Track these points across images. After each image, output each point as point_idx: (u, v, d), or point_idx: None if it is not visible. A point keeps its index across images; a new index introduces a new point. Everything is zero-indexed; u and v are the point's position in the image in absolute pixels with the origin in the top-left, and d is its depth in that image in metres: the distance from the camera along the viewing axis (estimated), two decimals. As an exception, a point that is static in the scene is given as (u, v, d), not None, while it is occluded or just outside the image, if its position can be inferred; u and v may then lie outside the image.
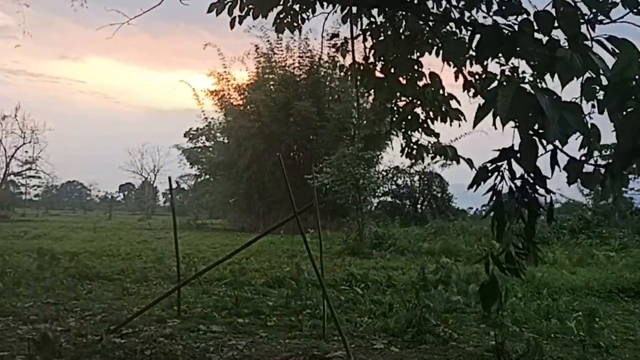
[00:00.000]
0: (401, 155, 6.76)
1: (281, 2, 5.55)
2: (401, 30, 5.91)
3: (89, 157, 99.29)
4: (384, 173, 30.56)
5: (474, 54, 5.15)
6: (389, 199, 31.63)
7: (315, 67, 31.55)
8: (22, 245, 17.17)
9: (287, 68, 31.68)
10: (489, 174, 3.56)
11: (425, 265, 11.33)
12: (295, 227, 25.03)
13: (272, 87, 31.78)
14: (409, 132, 6.53)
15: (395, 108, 6.54)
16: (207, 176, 42.57)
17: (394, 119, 6.63)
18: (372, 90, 6.60)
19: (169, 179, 8.36)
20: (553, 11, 3.20)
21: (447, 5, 5.01)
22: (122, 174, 69.25)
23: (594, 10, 3.28)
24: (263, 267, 12.58)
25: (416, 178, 32.69)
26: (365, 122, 32.49)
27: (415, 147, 6.54)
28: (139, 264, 13.17)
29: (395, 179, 31.45)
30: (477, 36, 3.78)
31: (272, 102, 30.55)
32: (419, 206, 33.16)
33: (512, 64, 5.38)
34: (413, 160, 6.90)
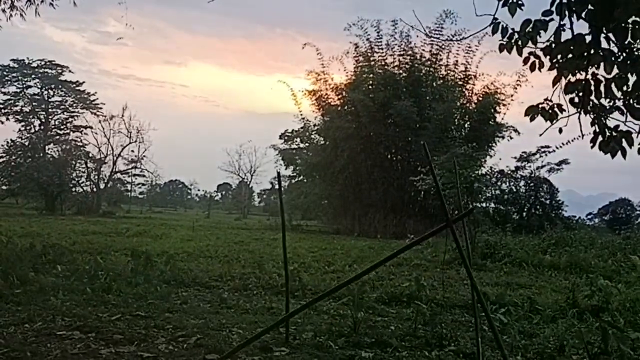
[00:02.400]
0: (592, 146, 4.79)
1: None
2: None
3: (189, 157, 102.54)
4: (488, 177, 28.20)
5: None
6: (492, 204, 28.95)
7: (416, 65, 29.96)
8: (122, 243, 16.59)
9: (386, 67, 30.46)
10: None
11: (575, 284, 9.13)
12: (389, 231, 22.86)
13: (370, 86, 30.75)
14: (602, 114, 4.60)
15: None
16: (302, 177, 41.85)
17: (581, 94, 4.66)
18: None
19: (278, 174, 6.88)
20: None
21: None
22: (220, 173, 70.28)
23: None
24: (371, 278, 10.85)
25: (522, 183, 29.88)
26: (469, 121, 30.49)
27: (614, 133, 4.57)
28: (237, 269, 12.01)
29: (499, 183, 28.88)
30: None
31: (370, 101, 29.43)
32: (524, 213, 30.29)
33: None
34: (609, 154, 4.83)
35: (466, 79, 30.07)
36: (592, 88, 4.41)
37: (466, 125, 30.65)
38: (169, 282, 9.75)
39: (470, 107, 30.09)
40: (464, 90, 30.32)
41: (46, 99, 53.82)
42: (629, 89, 4.29)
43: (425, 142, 5.12)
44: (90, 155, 47.48)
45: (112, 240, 17.97)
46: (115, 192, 53.34)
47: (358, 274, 5.01)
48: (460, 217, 4.86)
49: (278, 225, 31.99)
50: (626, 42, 4.21)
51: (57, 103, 54.36)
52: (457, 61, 30.02)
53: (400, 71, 30.35)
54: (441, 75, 30.48)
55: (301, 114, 34.25)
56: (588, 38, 4.25)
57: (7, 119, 52.67)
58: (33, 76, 53.04)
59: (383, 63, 30.47)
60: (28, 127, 51.41)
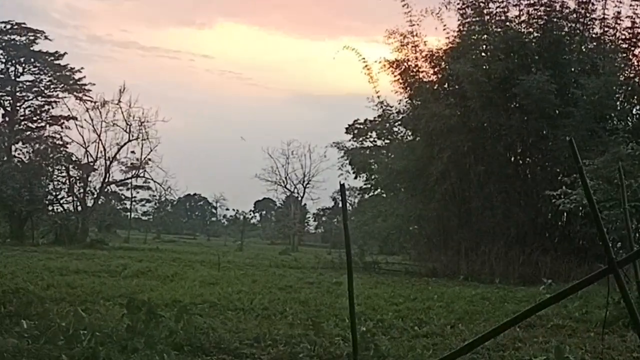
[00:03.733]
0: None
1: None
2: None
3: (215, 161, 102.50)
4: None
5: None
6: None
7: (554, 20, 29.60)
8: (115, 288, 16.91)
9: (508, 23, 30.15)
10: None
11: None
12: (514, 273, 22.48)
13: (484, 53, 30.72)
14: None
15: None
16: (380, 191, 41.60)
17: None
18: None
19: (342, 187, 6.96)
20: None
21: None
22: (259, 185, 69.80)
23: None
24: (488, 347, 10.49)
25: None
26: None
27: None
28: (282, 329, 12.17)
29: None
30: None
31: (484, 76, 29.11)
32: None
33: None
34: None
35: (634, 40, 29.21)
36: None
37: (634, 111, 29.98)
38: (182, 347, 9.78)
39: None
40: (630, 57, 29.49)
41: (12, 77, 54.96)
42: None
43: (572, 138, 4.85)
44: (74, 158, 48.44)
45: (102, 282, 18.24)
46: (109, 212, 54.37)
47: (468, 342, 4.77)
48: (633, 258, 4.56)
49: (343, 263, 31.88)
50: None
51: (27, 84, 55.58)
52: (619, 13, 29.22)
53: (530, 29, 30.21)
54: (594, 35, 29.91)
55: (378, 97, 34.25)
56: None
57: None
58: (-7, 45, 54.23)
59: (503, 18, 30.22)
60: (-15, 119, 52.97)
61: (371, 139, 52.34)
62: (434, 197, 31.07)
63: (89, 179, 48.23)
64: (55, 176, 45.61)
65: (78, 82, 54.52)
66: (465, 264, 29.56)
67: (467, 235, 30.48)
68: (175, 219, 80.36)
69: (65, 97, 53.98)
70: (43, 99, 55.27)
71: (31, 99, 55.46)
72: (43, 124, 54.59)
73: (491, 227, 29.44)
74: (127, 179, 53.74)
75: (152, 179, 52.40)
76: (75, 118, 51.35)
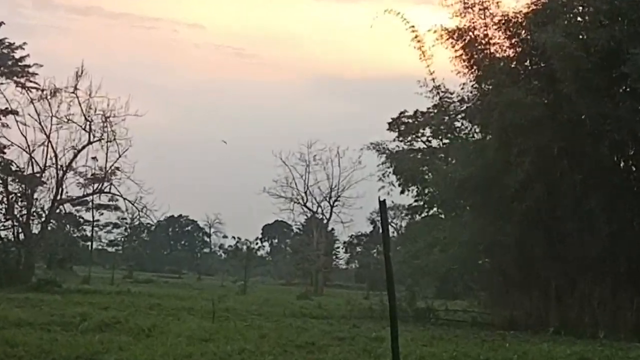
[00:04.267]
0: None
1: None
2: None
3: (206, 171, 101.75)
4: None
5: None
6: None
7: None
8: (71, 346, 16.82)
9: None
10: None
11: None
12: (625, 324, 22.53)
13: (580, 17, 31.00)
14: None
15: None
16: (435, 209, 42.60)
17: None
18: None
19: (381, 204, 7.50)
20: None
21: None
22: (269, 203, 70.82)
23: None
24: None
25: None
26: None
27: None
28: None
29: None
30: None
31: (580, 49, 28.94)
32: None
33: None
34: None
35: None
36: None
37: None
38: None
39: None
40: None
41: None
42: None
43: None
44: (14, 167, 49.01)
45: (53, 339, 18.17)
46: (62, 242, 54.54)
47: None
48: None
49: (385, 311, 31.57)
50: None
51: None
52: None
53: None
54: None
55: (433, 80, 34.43)
56: None
57: None
58: None
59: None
60: None
61: (424, 139, 53.90)
62: (512, 218, 30.87)
63: (35, 195, 48.34)
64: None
65: (19, 63, 53.50)
66: (556, 311, 29.60)
67: (558, 271, 30.35)
68: (153, 250, 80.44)
69: (1, 83, 52.73)
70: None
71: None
72: (-34, 121, 52.90)
73: (593, 259, 29.22)
74: (87, 195, 54.18)
75: (120, 196, 51.96)
76: (15, 112, 51.06)
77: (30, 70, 53.70)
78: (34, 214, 48.64)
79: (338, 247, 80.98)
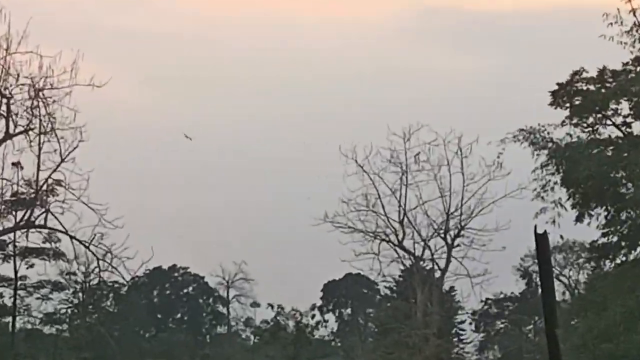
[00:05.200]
0: None
1: None
2: None
3: (221, 187, 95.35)
4: None
5: None
6: None
7: None
8: None
9: None
10: None
11: None
12: None
13: None
14: None
15: None
16: None
17: None
18: None
19: (539, 238, 6.93)
20: None
21: None
22: (332, 242, 55.01)
23: None
24: None
25: None
26: None
27: None
28: None
29: None
30: None
31: None
32: None
33: None
34: None
35: None
36: None
37: None
38: None
39: None
40: None
41: None
42: None
43: None
44: None
45: None
46: None
47: None
48: None
49: None
50: None
51: None
52: None
53: None
54: None
55: (634, 11, 35.17)
56: None
57: None
58: None
59: None
60: None
61: (618, 120, 43.41)
62: None
63: None
64: None
65: None
66: None
67: None
68: (126, 331, 65.70)
69: None
70: None
71: None
72: None
73: None
74: (4, 232, 41.21)
75: (65, 232, 37.92)
76: None
77: None
78: None
79: (462, 322, 66.65)
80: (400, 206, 54.88)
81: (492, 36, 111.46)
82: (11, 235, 45.07)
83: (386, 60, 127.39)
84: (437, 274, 56.53)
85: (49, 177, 37.90)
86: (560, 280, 50.55)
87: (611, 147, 42.43)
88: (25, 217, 39.75)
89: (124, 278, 46.03)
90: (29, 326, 58.72)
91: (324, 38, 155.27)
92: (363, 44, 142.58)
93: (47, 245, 48.55)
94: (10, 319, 55.15)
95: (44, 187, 38.74)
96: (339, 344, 73.40)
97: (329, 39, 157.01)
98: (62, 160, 36.97)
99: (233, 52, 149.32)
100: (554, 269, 37.76)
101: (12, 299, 55.81)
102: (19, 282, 55.33)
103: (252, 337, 72.25)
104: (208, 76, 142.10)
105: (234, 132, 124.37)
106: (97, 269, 44.21)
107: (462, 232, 54.67)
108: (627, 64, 38.01)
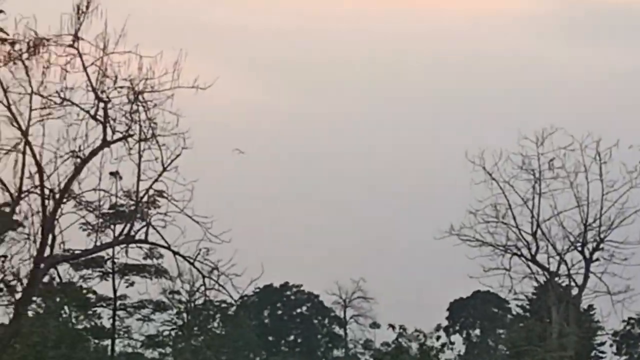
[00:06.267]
0: None
1: None
2: None
3: (337, 200, 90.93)
4: None
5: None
6: None
7: None
8: None
9: None
10: None
11: None
12: None
13: None
14: None
15: None
16: None
17: None
18: None
19: None
20: None
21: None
22: (458, 256, 53.57)
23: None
24: None
25: None
26: None
27: None
28: None
29: None
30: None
31: None
32: None
33: None
34: None
35: None
36: None
37: None
38: None
39: None
40: None
41: None
42: None
43: None
44: None
45: None
46: (57, 341, 41.28)
47: None
48: None
49: None
50: None
51: None
52: None
53: None
54: None
55: None
56: None
57: None
58: None
59: None
60: None
61: None
62: None
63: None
64: None
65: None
66: None
67: None
68: (234, 353, 63.46)
69: None
70: None
71: None
72: None
73: None
74: (102, 247, 38.11)
75: (168, 247, 34.78)
76: None
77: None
78: (0, 286, 34.73)
79: (602, 343, 64.62)
80: (532, 217, 52.35)
81: (634, 31, 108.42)
82: (109, 251, 41.94)
83: (518, 56, 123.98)
84: (574, 291, 53.38)
85: (150, 187, 35.47)
86: None
87: None
88: (125, 231, 36.93)
89: (232, 297, 41.71)
90: (129, 350, 56.07)
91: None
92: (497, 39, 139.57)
93: (149, 261, 46.68)
94: (109, 341, 53.22)
95: (145, 199, 36.50)
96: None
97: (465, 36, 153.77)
98: (164, 169, 34.54)
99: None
100: None
101: (110, 320, 53.85)
102: (118, 302, 53.57)
103: (370, 360, 67.69)
104: (321, 71, 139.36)
105: (346, 136, 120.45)
106: (202, 287, 39.14)
107: (602, 245, 51.82)
108: None
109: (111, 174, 35.06)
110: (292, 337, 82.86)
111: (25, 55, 33.49)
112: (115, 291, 51.49)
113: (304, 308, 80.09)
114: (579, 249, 52.47)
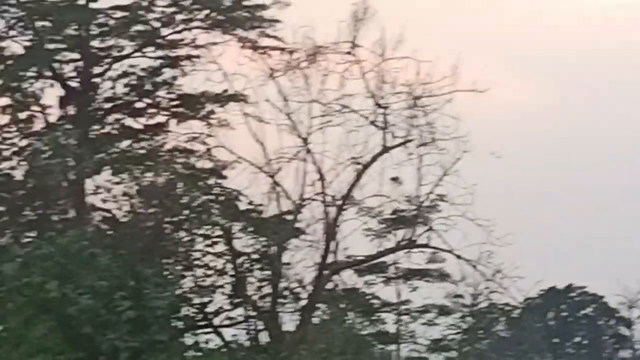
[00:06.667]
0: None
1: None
2: None
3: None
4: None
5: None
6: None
7: None
8: None
9: None
10: None
11: None
12: None
13: None
14: None
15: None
16: None
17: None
18: None
19: None
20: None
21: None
22: None
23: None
24: None
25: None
26: None
27: None
28: None
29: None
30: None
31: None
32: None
33: None
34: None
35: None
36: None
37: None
38: None
39: None
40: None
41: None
42: None
43: None
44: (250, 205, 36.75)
45: None
46: (343, 347, 39.52)
47: None
48: None
49: None
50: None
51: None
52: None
53: None
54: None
55: None
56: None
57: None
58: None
59: None
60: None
61: None
62: None
63: (284, 258, 35.42)
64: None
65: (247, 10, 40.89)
66: None
67: None
68: (519, 357, 65.08)
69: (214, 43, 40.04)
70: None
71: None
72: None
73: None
74: (383, 253, 38.88)
75: (450, 251, 35.61)
76: (242, 98, 37.28)
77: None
78: (286, 294, 36.26)
79: None
80: None
81: None
82: (392, 255, 42.61)
83: None
84: None
85: (431, 192, 35.92)
86: None
87: None
88: (407, 236, 37.47)
89: (515, 300, 42.34)
90: (415, 354, 56.89)
91: None
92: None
93: (431, 266, 46.91)
94: (394, 346, 54.25)
95: (426, 203, 36.72)
96: None
97: None
98: (445, 174, 35.05)
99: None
100: None
101: (395, 326, 54.51)
102: (401, 307, 54.06)
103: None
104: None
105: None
106: (486, 290, 40.62)
107: None
108: None
109: (392, 179, 35.84)
110: (577, 339, 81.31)
111: (303, 64, 35.16)
112: (398, 296, 51.57)
113: (589, 309, 78.27)
114: None
